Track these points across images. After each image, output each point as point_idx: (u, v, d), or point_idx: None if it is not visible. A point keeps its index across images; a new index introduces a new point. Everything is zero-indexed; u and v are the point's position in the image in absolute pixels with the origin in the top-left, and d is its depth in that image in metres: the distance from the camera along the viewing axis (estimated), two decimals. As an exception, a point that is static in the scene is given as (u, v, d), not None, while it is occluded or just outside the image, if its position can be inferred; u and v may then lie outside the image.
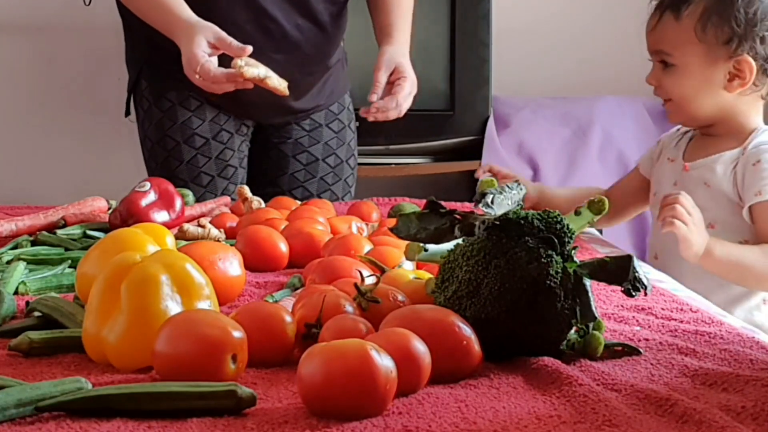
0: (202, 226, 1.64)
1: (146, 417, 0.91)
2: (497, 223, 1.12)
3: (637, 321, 1.27)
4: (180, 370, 0.97)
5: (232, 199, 2.03)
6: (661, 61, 1.96)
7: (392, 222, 1.42)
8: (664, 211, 1.79)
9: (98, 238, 1.61)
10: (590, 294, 1.10)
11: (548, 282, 1.08)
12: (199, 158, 2.17)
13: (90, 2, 3.30)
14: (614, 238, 2.74)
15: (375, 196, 2.23)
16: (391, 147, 3.00)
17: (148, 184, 1.74)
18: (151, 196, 1.72)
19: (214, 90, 1.89)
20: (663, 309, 1.34)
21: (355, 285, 1.17)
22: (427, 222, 1.18)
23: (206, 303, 1.10)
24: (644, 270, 1.11)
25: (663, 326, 1.25)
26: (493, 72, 3.19)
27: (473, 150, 3.21)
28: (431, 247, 1.20)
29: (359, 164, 2.42)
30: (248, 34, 2.04)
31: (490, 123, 3.25)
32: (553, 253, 1.10)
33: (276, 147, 2.24)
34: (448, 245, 1.17)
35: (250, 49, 1.85)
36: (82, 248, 1.58)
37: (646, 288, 1.08)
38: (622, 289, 1.08)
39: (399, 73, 2.03)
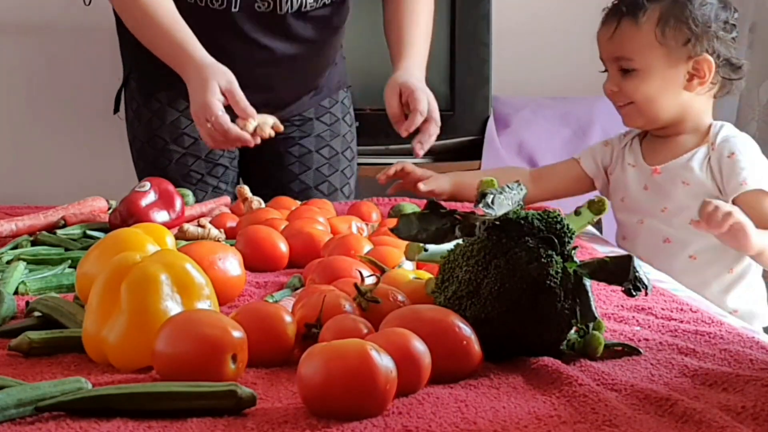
0: (202, 226, 1.64)
1: (146, 417, 0.91)
2: (497, 223, 1.12)
3: (637, 321, 1.27)
4: (180, 370, 0.97)
5: (234, 198, 2.04)
6: (619, 68, 1.99)
7: (392, 222, 1.42)
8: (711, 217, 1.78)
9: (98, 238, 1.61)
10: (590, 294, 1.10)
11: (548, 282, 1.08)
12: (188, 158, 2.17)
13: (90, 2, 3.30)
14: (613, 236, 2.74)
15: (375, 196, 2.22)
16: (391, 147, 2.99)
17: (148, 184, 1.74)
18: (151, 196, 1.72)
19: (218, 145, 1.88)
20: (663, 309, 1.34)
21: (355, 285, 1.17)
22: (428, 222, 1.18)
23: (206, 303, 1.10)
24: (644, 270, 1.11)
25: (663, 326, 1.25)
26: (493, 72, 3.19)
27: (473, 150, 3.21)
28: (431, 247, 1.20)
29: (360, 164, 2.42)
30: (242, 60, 2.04)
31: (490, 123, 3.25)
32: (553, 253, 1.10)
33: (267, 143, 2.24)
34: (448, 245, 1.18)
35: (254, 114, 1.84)
36: (82, 248, 1.58)
37: (646, 288, 1.08)
38: (622, 289, 1.08)
39: (406, 92, 1.98)
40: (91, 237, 1.66)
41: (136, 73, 2.21)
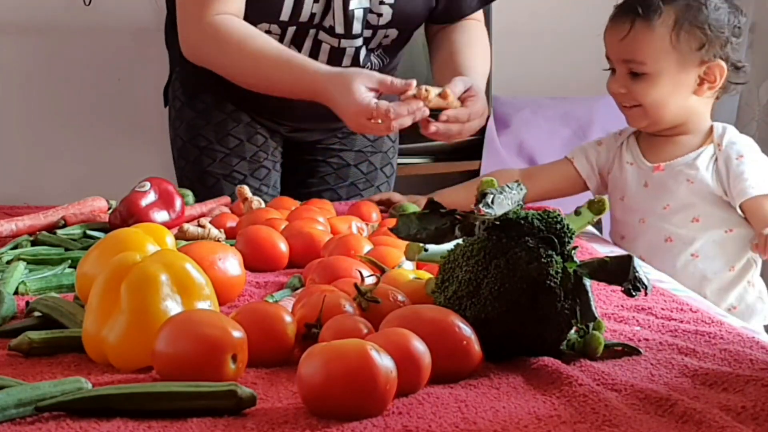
0: (202, 226, 1.64)
1: (146, 417, 0.91)
2: (497, 223, 1.12)
3: (637, 321, 1.27)
4: (180, 370, 0.97)
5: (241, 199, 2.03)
6: (630, 70, 1.97)
7: (392, 222, 1.42)
8: None
9: (98, 238, 1.61)
10: (590, 294, 1.10)
11: (548, 282, 1.08)
12: (232, 158, 2.16)
13: (90, 2, 3.31)
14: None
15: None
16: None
17: (148, 184, 1.74)
18: (151, 196, 1.72)
19: (391, 129, 1.78)
20: (663, 309, 1.34)
21: (355, 285, 1.18)
22: (427, 222, 1.18)
23: (206, 303, 1.10)
24: (644, 270, 1.11)
25: (663, 326, 1.25)
26: (493, 72, 3.19)
27: (473, 150, 3.21)
28: (431, 247, 1.20)
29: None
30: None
31: (490, 123, 3.25)
32: (553, 253, 1.10)
33: (307, 150, 2.23)
34: (448, 245, 1.18)
35: (414, 83, 1.79)
36: (82, 248, 1.57)
37: (646, 288, 1.08)
38: (622, 289, 1.08)
39: (473, 91, 1.90)
40: (91, 237, 1.66)
41: (182, 74, 2.20)
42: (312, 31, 2.00)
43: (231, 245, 1.50)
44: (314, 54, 2.01)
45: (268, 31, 1.97)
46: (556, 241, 1.10)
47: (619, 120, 2.10)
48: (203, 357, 0.98)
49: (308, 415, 0.92)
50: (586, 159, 2.12)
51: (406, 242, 1.22)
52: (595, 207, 1.18)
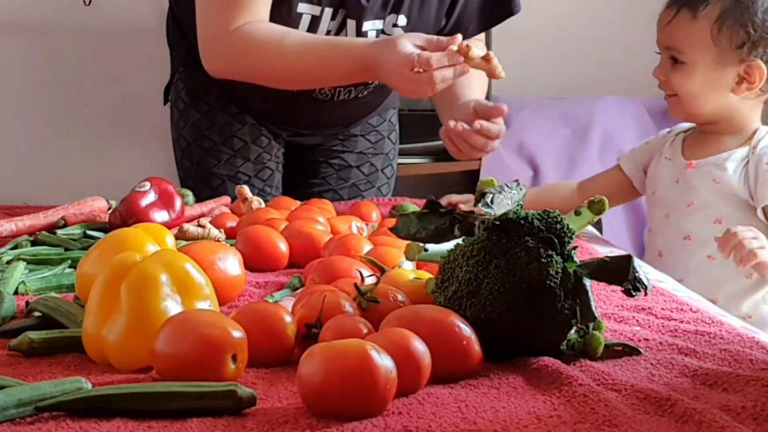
0: (202, 226, 1.64)
1: (146, 417, 0.91)
2: (497, 223, 1.12)
3: (637, 321, 1.27)
4: (180, 370, 0.97)
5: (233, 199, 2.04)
6: (670, 57, 1.96)
7: (392, 222, 1.42)
8: (735, 251, 1.77)
9: (98, 238, 1.61)
10: (590, 294, 1.10)
11: (548, 282, 1.08)
12: (237, 159, 2.15)
13: (90, 2, 3.30)
14: (613, 236, 2.74)
15: (375, 196, 2.23)
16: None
17: (148, 184, 1.74)
18: (151, 196, 1.72)
19: (434, 81, 1.70)
20: (663, 309, 1.34)
21: (355, 285, 1.17)
22: (427, 222, 1.17)
23: (206, 303, 1.10)
24: (644, 270, 1.11)
25: (663, 326, 1.25)
26: (493, 72, 3.19)
27: (473, 150, 3.20)
28: (431, 247, 1.20)
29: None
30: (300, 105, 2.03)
31: (490, 123, 3.24)
32: (553, 253, 1.10)
33: (309, 151, 2.22)
34: (448, 245, 1.17)
35: (459, 37, 1.73)
36: (82, 248, 1.57)
37: (646, 288, 1.08)
38: (622, 289, 1.08)
39: (484, 108, 1.87)
40: (91, 237, 1.66)
41: (185, 75, 2.19)
42: None
43: (231, 245, 1.50)
44: None
45: None
46: (556, 241, 1.10)
47: (618, 121, 2.10)
48: (203, 357, 0.98)
49: (308, 415, 0.92)
50: (633, 160, 2.10)
51: (406, 242, 1.22)
52: (595, 207, 1.18)
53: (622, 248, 1.97)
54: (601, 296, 1.38)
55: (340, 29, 1.97)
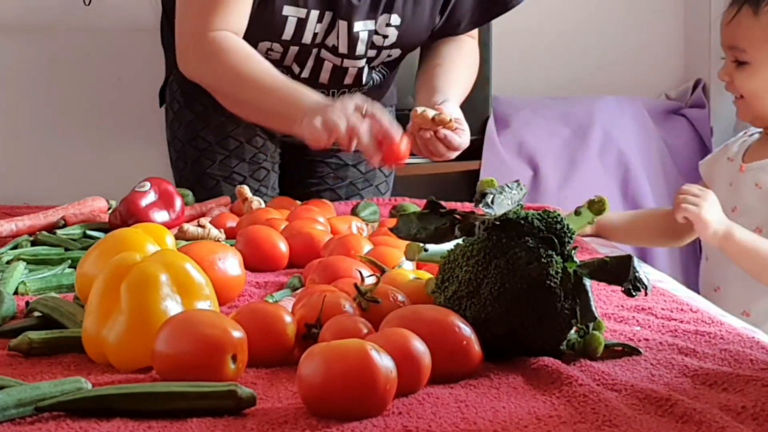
0: (202, 226, 1.64)
1: (146, 417, 0.91)
2: (497, 223, 1.12)
3: (637, 321, 1.27)
4: (180, 370, 0.97)
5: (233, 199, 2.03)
6: (734, 58, 1.90)
7: (392, 222, 1.42)
8: (676, 203, 1.75)
9: (98, 238, 1.61)
10: (590, 294, 1.10)
11: (548, 282, 1.08)
12: (232, 159, 2.15)
13: (90, 2, 3.30)
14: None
15: (373, 194, 2.22)
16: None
17: (148, 184, 1.74)
18: (151, 196, 1.72)
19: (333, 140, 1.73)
20: (663, 309, 1.33)
21: (355, 285, 1.17)
22: (427, 222, 1.18)
23: (206, 303, 1.10)
24: (644, 270, 1.11)
25: (663, 326, 1.25)
26: (493, 72, 3.19)
27: (473, 150, 3.20)
28: (431, 247, 1.20)
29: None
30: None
31: (490, 123, 3.25)
32: (553, 253, 1.10)
33: (305, 151, 2.22)
34: (448, 245, 1.17)
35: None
36: (82, 248, 1.58)
37: (646, 288, 1.08)
38: (622, 289, 1.08)
39: (459, 123, 1.88)
40: (91, 237, 1.66)
41: (179, 76, 2.18)
42: (314, 51, 1.99)
43: (231, 245, 1.50)
44: (317, 72, 2.01)
45: (270, 50, 1.97)
46: (556, 241, 1.10)
47: (618, 121, 2.08)
48: (203, 357, 0.98)
49: (308, 415, 0.92)
50: (708, 165, 2.04)
51: (406, 242, 1.22)
52: (595, 207, 1.18)
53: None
54: (601, 296, 1.38)
55: (329, 31, 1.96)
